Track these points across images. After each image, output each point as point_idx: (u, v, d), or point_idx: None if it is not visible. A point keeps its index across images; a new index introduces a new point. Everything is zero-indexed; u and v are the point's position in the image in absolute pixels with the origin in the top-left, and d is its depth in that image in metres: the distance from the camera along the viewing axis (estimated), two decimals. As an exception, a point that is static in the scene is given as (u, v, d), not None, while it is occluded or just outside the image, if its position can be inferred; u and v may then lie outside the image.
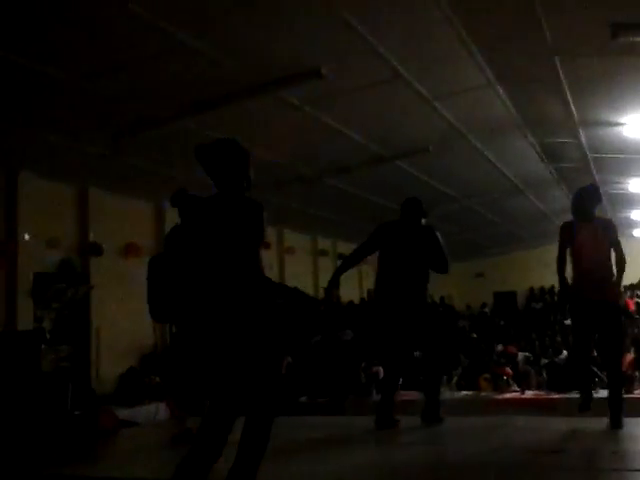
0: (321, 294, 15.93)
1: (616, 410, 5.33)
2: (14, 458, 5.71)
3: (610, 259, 5.58)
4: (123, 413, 7.98)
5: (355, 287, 17.40)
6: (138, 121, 7.77)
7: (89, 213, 10.11)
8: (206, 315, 3.43)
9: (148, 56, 6.27)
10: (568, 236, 5.65)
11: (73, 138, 8.00)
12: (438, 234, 5.99)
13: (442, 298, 20.01)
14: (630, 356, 12.02)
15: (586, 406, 5.62)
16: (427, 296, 6.08)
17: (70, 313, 9.63)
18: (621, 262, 5.55)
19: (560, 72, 7.45)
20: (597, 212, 5.78)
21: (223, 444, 3.39)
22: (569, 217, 5.83)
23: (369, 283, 18.18)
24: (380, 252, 6.15)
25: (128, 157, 8.80)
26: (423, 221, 6.15)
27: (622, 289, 5.82)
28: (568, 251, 5.65)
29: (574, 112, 8.84)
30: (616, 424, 5.31)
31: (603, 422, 5.42)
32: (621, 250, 5.57)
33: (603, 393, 7.03)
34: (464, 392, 9.86)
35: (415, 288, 5.91)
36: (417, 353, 6.66)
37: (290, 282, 3.54)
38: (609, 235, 5.58)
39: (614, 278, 5.52)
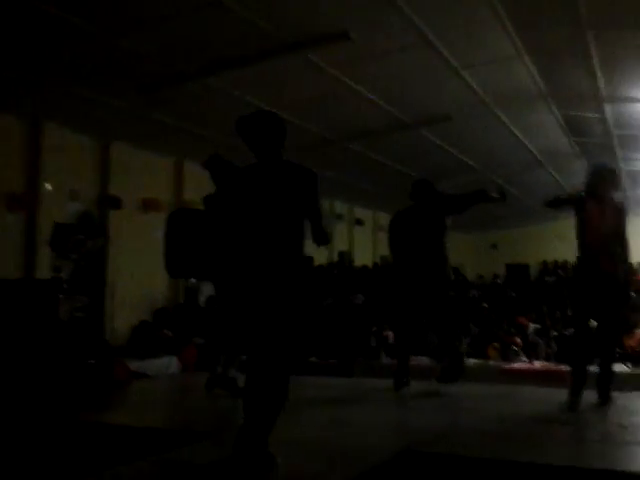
0: (335, 258, 16.05)
1: (605, 386, 5.34)
2: (31, 403, 5.85)
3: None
4: (135, 365, 8.06)
5: (369, 252, 17.46)
6: (163, 77, 7.73)
7: (110, 166, 10.12)
8: (244, 276, 3.56)
9: (177, 12, 6.21)
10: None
11: (98, 91, 7.96)
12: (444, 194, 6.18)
13: (455, 268, 20.00)
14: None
15: (574, 407, 5.31)
16: (448, 271, 6.18)
17: (87, 264, 9.71)
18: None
19: (591, 46, 7.34)
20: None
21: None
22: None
23: (383, 249, 18.26)
24: (397, 239, 6.32)
25: (152, 112, 8.78)
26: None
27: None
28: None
29: (601, 87, 8.72)
30: (604, 400, 5.31)
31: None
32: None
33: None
34: (473, 360, 9.91)
35: (434, 264, 6.03)
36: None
37: (305, 245, 3.66)
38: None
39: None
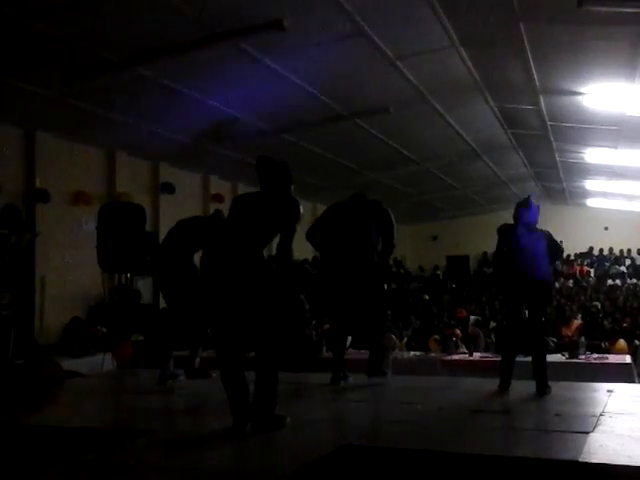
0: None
1: (541, 377, 5.41)
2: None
3: None
4: (68, 363, 7.82)
5: (308, 245, 17.36)
6: (92, 65, 7.45)
7: (36, 158, 9.74)
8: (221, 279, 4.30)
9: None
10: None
11: (21, 79, 7.67)
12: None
13: (395, 259, 20.13)
14: (577, 322, 12.34)
15: (506, 386, 5.60)
16: (374, 257, 6.08)
17: (13, 260, 9.35)
18: None
19: (524, 38, 7.40)
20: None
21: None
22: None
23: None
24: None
25: (80, 101, 8.50)
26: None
27: None
28: None
29: (536, 79, 8.81)
30: (542, 391, 5.36)
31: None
32: None
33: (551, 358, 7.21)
34: (413, 352, 9.94)
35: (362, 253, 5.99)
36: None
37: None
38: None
39: None
